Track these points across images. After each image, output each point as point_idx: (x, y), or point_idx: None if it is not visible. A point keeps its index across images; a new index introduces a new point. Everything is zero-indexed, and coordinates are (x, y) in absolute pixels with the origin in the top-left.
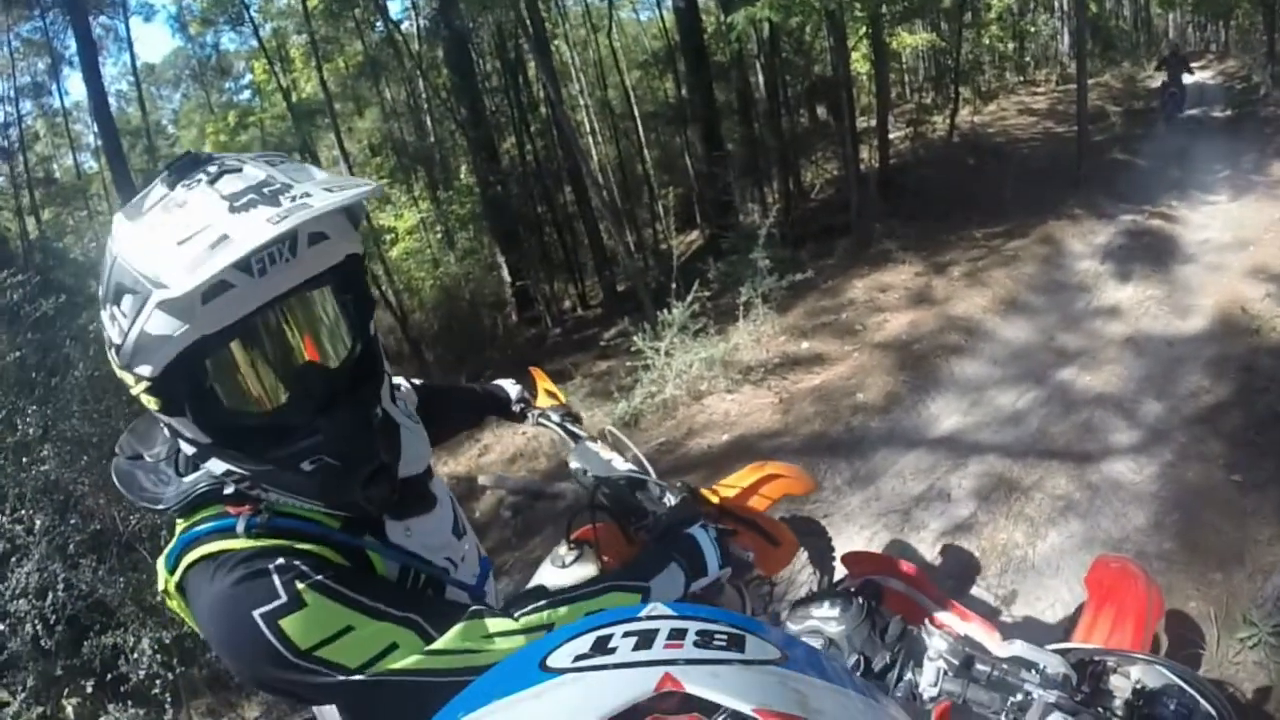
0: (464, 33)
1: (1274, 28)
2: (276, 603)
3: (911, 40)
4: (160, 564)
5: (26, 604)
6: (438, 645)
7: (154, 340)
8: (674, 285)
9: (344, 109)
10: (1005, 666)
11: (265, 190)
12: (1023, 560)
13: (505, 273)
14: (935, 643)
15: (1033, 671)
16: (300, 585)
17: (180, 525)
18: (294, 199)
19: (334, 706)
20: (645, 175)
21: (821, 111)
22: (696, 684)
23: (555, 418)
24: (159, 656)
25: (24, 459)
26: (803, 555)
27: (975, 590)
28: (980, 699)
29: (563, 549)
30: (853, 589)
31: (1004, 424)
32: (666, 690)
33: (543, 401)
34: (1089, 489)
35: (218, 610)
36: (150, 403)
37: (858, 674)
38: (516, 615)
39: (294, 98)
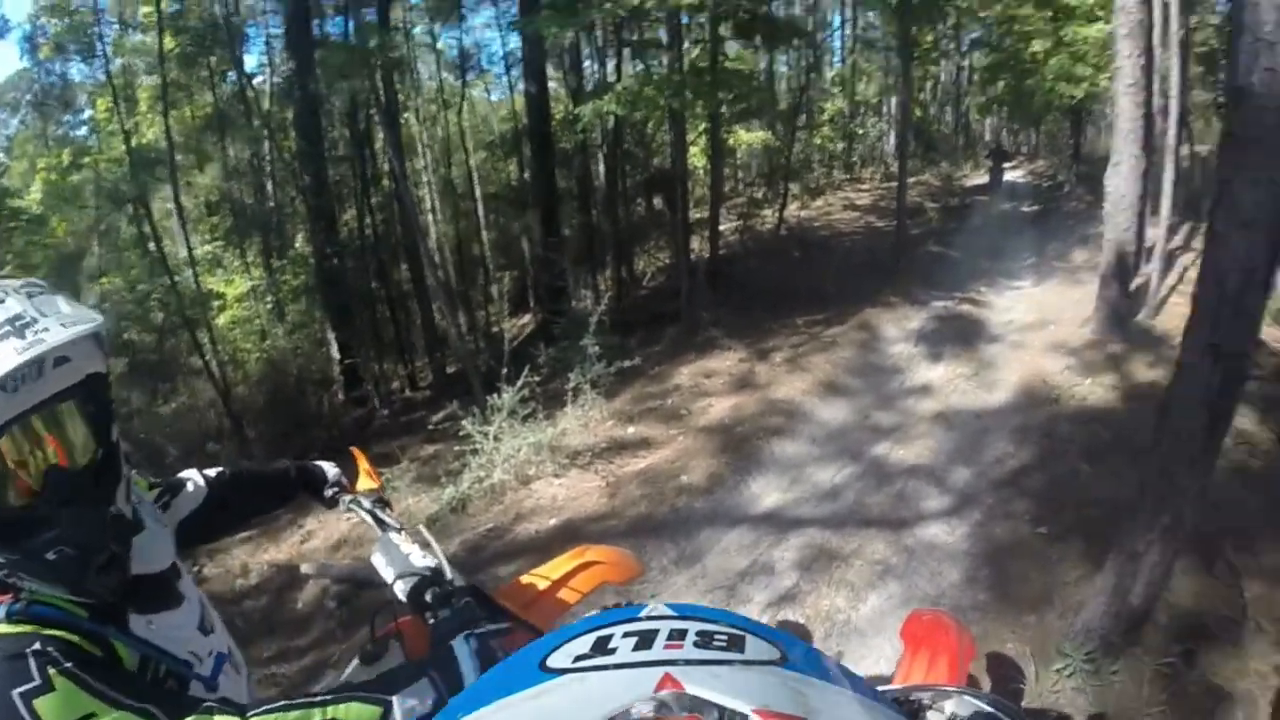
0: (317, 97)
1: (1079, 133)
2: (31, 684)
3: (747, 138)
4: None
5: None
6: None
7: None
8: (504, 370)
9: (184, 161)
10: None
11: (16, 324)
12: (846, 623)
13: (335, 349)
14: None
15: None
16: (52, 670)
17: None
18: (36, 333)
19: None
20: (482, 256)
21: (657, 202)
22: (696, 684)
23: (366, 504)
24: None
25: None
26: None
27: None
28: None
29: (370, 645)
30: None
31: (823, 498)
32: (666, 690)
33: (362, 484)
34: (905, 552)
35: None
36: None
37: None
38: (250, 715)
39: (134, 142)
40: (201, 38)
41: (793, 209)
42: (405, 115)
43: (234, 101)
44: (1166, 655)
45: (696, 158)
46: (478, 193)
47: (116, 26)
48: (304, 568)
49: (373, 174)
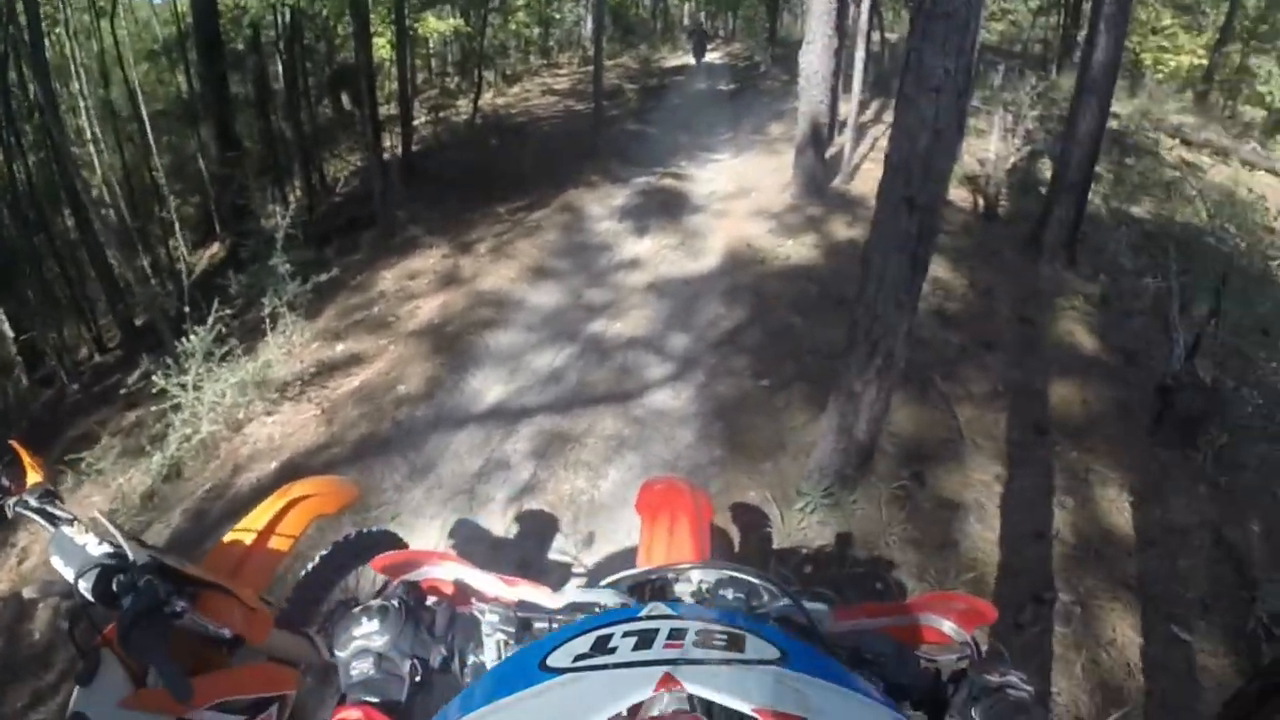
0: None
1: (775, 18)
2: None
3: (437, 25)
4: None
5: None
6: None
7: None
8: (186, 309)
9: None
10: (562, 617)
11: None
12: (591, 502)
13: (6, 326)
14: (488, 618)
15: (593, 611)
16: None
17: None
18: None
19: None
20: (155, 185)
21: (345, 100)
22: (696, 684)
23: (33, 503)
24: None
25: None
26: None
27: (557, 543)
28: None
29: (80, 664)
30: (392, 598)
31: (546, 383)
32: (666, 690)
33: (30, 479)
34: (636, 423)
35: None
36: None
37: (416, 677)
38: None
39: None
40: None
41: (489, 97)
42: (56, 29)
43: None
44: (898, 479)
45: (384, 49)
46: (143, 111)
47: None
48: (26, 592)
49: (19, 108)
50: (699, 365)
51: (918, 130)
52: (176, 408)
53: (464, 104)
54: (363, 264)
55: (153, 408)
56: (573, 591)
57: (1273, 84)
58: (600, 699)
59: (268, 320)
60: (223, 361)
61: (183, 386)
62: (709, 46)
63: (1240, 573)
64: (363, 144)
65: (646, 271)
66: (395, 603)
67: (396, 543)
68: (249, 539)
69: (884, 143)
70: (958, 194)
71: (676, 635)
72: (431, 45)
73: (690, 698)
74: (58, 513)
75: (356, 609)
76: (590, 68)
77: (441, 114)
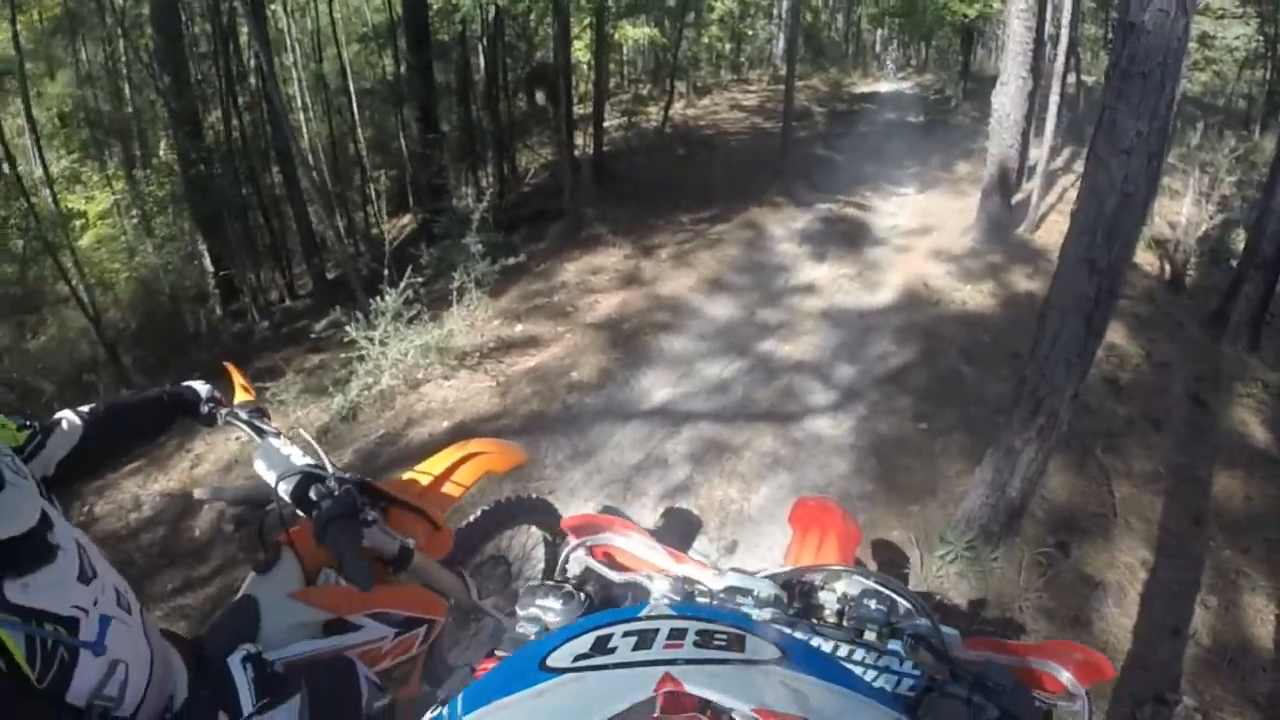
0: None
1: (969, 50)
2: None
3: (633, 34)
4: None
5: None
6: None
7: None
8: (386, 271)
9: (34, 69)
10: (722, 596)
11: None
12: (739, 513)
13: (208, 262)
14: (657, 586)
15: (748, 596)
16: None
17: None
18: None
19: None
20: (358, 156)
21: (540, 97)
22: (696, 684)
23: (244, 416)
24: None
25: None
26: (535, 532)
27: (698, 544)
28: None
29: (262, 554)
30: (583, 587)
31: (712, 392)
32: (666, 690)
33: (238, 398)
34: (794, 445)
35: None
36: None
37: None
38: None
39: None
40: None
41: (679, 107)
42: (272, 6)
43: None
44: (1042, 545)
45: (581, 52)
46: (352, 89)
47: None
48: (197, 493)
49: (238, 72)
50: (862, 398)
51: (1106, 191)
52: (362, 358)
53: (654, 111)
54: (547, 254)
55: (341, 354)
56: (732, 575)
57: None
58: (600, 699)
59: (455, 293)
60: (409, 324)
61: (370, 340)
62: (898, 75)
63: None
64: (555, 140)
65: (821, 298)
66: (582, 595)
67: (552, 511)
68: (425, 480)
69: (1073, 193)
70: (1144, 257)
71: (676, 635)
72: (625, 52)
73: (690, 697)
74: (265, 427)
75: (549, 583)
76: (780, 87)
77: (633, 119)
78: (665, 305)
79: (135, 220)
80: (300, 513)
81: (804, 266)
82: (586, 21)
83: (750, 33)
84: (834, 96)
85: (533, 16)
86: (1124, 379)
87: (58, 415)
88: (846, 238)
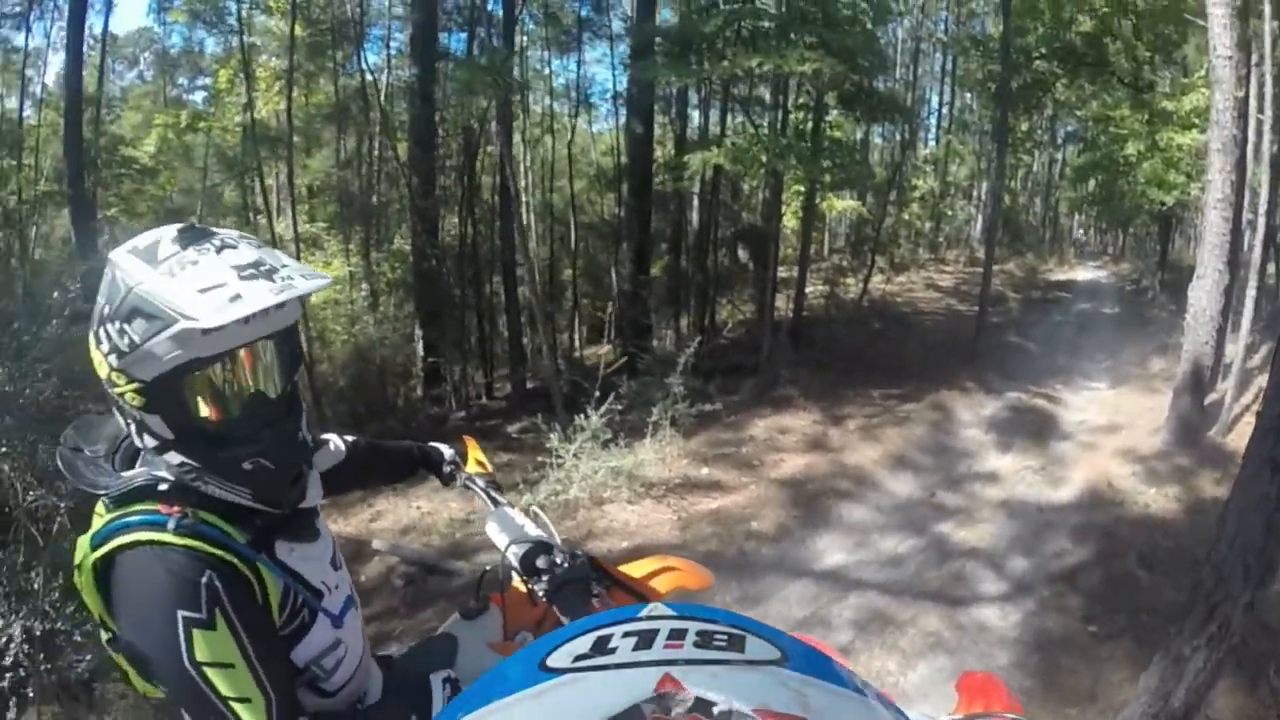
0: (434, 105)
1: (1167, 239)
2: (197, 614)
3: (840, 205)
4: (84, 540)
5: None
6: None
7: (156, 356)
8: (596, 393)
9: (298, 143)
10: None
11: (261, 268)
12: (894, 686)
13: (420, 347)
14: None
15: None
16: (216, 609)
17: (109, 514)
18: (284, 279)
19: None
20: (573, 282)
21: (744, 256)
22: (696, 684)
23: (481, 483)
24: (25, 647)
25: None
26: None
27: None
28: None
29: (472, 602)
30: None
31: (884, 565)
32: (666, 690)
33: (471, 469)
34: (958, 629)
35: (150, 593)
36: (134, 400)
37: None
38: None
39: (250, 115)
40: (329, 31)
41: (877, 281)
42: (513, 136)
43: (354, 95)
44: None
45: (788, 219)
46: (574, 220)
47: (246, 4)
48: (377, 544)
49: (476, 186)
50: (1032, 594)
51: None
52: (555, 466)
53: (852, 283)
54: (739, 407)
55: (534, 458)
56: (915, 716)
57: None
58: (600, 699)
59: (650, 427)
60: (604, 446)
61: (567, 451)
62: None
63: None
64: (755, 299)
65: (1002, 488)
66: None
67: None
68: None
69: None
70: None
71: (676, 635)
72: (830, 222)
73: (690, 698)
74: (498, 496)
75: None
76: (975, 269)
77: (833, 288)
78: (848, 474)
79: (364, 294)
80: (518, 577)
81: (988, 454)
82: (795, 189)
83: (949, 213)
84: (1029, 283)
85: (748, 180)
86: None
87: (325, 436)
88: (1033, 429)
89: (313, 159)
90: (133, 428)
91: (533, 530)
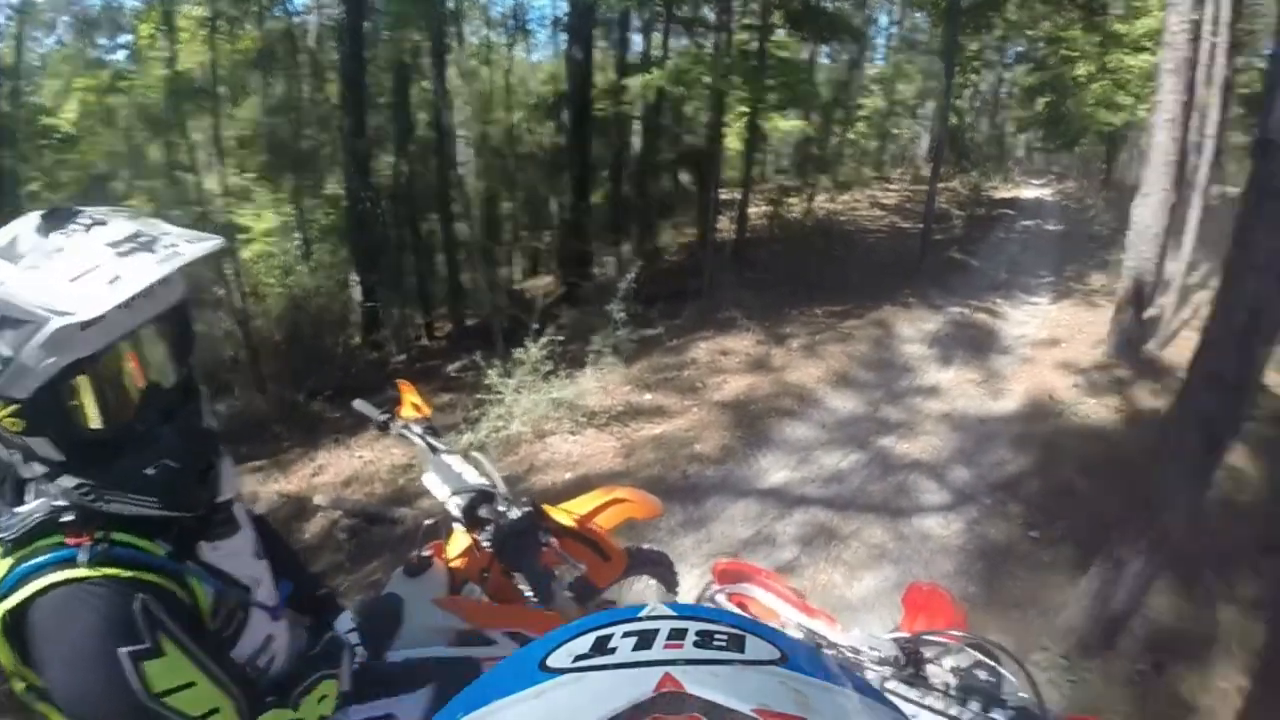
0: (363, 43)
1: (1112, 159)
2: (141, 646)
3: (785, 126)
4: None
5: None
6: None
7: (30, 367)
8: (535, 325)
9: (224, 93)
10: (847, 650)
11: (140, 240)
12: (841, 599)
13: (357, 293)
14: (790, 634)
15: (870, 653)
16: (160, 634)
17: (10, 558)
18: (168, 248)
19: None
20: (513, 215)
21: (686, 179)
22: (696, 684)
23: (418, 429)
24: None
25: None
26: (650, 581)
27: None
28: None
29: (415, 558)
30: (714, 593)
31: (828, 481)
32: (666, 690)
33: (407, 413)
34: (901, 540)
35: (80, 639)
36: (13, 424)
37: None
38: (295, 704)
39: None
40: None
41: (821, 200)
42: (447, 69)
43: (280, 39)
44: (1139, 662)
45: (731, 140)
46: (513, 151)
47: None
48: (318, 499)
49: (409, 124)
50: (974, 502)
51: (1236, 308)
52: (495, 402)
53: (796, 203)
54: (681, 331)
55: (474, 396)
56: (858, 635)
57: None
58: (600, 699)
59: (591, 356)
60: (545, 378)
61: (506, 386)
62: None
63: None
64: (700, 222)
65: (943, 401)
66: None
67: (670, 566)
68: (572, 517)
69: (1208, 310)
70: (1275, 379)
71: (676, 635)
72: (774, 142)
73: (690, 697)
74: (437, 444)
75: None
76: (920, 187)
77: (776, 209)
78: (791, 393)
79: (297, 243)
80: (459, 526)
81: (930, 368)
82: (739, 110)
83: (896, 131)
84: (974, 201)
85: (690, 103)
86: (1243, 501)
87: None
88: (974, 343)
89: (240, 108)
90: (17, 457)
91: (473, 477)
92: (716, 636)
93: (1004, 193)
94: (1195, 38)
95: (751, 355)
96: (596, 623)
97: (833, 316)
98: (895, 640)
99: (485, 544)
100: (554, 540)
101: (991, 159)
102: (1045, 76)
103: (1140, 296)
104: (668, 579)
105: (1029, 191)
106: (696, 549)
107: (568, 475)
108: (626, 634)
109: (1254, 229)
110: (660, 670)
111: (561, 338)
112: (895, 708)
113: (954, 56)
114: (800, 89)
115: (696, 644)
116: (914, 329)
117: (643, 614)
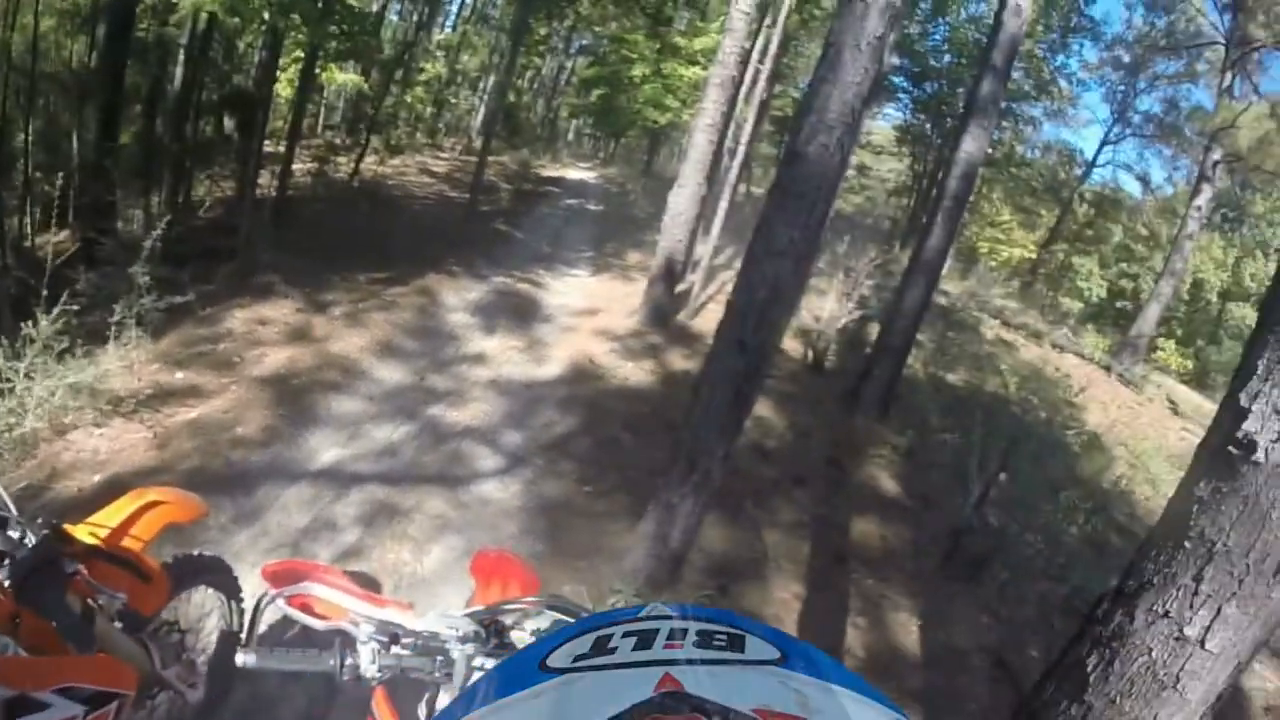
0: None
1: (653, 151)
2: None
3: (341, 78)
4: None
5: None
6: None
7: None
8: (45, 292)
9: None
10: (426, 635)
11: None
12: (413, 574)
13: None
14: (362, 631)
15: (450, 634)
16: None
17: None
18: None
19: None
20: (25, 152)
21: (229, 124)
22: (696, 684)
23: None
24: None
25: None
26: (210, 593)
27: None
28: (414, 665)
29: None
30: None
31: (381, 455)
32: (666, 690)
33: None
34: (463, 508)
35: None
36: None
37: None
38: None
39: None
40: None
41: (370, 162)
42: None
43: None
44: (705, 589)
45: (283, 86)
46: (34, 68)
47: None
48: None
49: None
50: (528, 464)
51: (759, 284)
52: (3, 393)
53: (345, 162)
54: (215, 297)
55: None
56: (433, 618)
57: (1091, 281)
58: (600, 699)
59: (113, 328)
60: (60, 358)
61: (16, 373)
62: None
63: (1018, 690)
64: (240, 175)
65: (490, 368)
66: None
67: (228, 571)
68: (101, 534)
69: (730, 287)
70: (791, 345)
71: (676, 635)
72: (327, 95)
73: (690, 697)
74: None
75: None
76: (471, 158)
77: (323, 166)
78: (335, 364)
79: None
80: None
81: (475, 336)
82: (295, 55)
83: (453, 100)
84: (522, 176)
85: (243, 38)
86: (770, 445)
87: None
88: (518, 312)
89: None
90: None
91: None
92: (716, 637)
93: (552, 171)
94: (744, 61)
95: (292, 324)
96: (596, 623)
97: (377, 283)
98: (473, 615)
99: (7, 584)
100: (82, 568)
101: (543, 139)
102: (604, 71)
103: (672, 273)
104: (228, 586)
105: (575, 173)
106: (253, 545)
107: (96, 478)
108: (626, 634)
109: (776, 221)
110: (660, 670)
111: (77, 307)
112: (895, 707)
113: (522, 36)
114: (363, 39)
115: (696, 644)
116: (459, 297)
117: (643, 614)
